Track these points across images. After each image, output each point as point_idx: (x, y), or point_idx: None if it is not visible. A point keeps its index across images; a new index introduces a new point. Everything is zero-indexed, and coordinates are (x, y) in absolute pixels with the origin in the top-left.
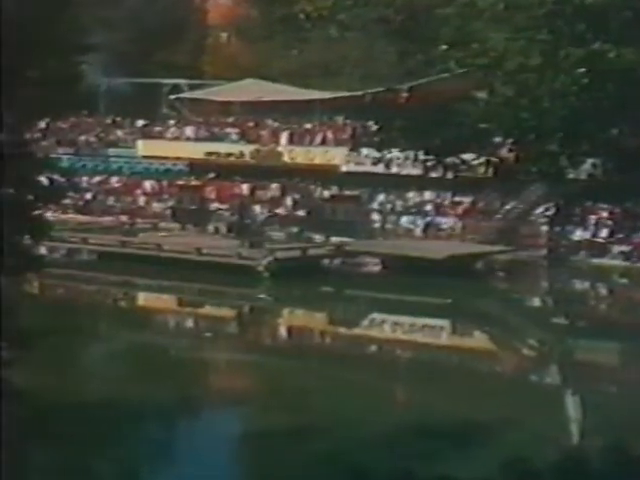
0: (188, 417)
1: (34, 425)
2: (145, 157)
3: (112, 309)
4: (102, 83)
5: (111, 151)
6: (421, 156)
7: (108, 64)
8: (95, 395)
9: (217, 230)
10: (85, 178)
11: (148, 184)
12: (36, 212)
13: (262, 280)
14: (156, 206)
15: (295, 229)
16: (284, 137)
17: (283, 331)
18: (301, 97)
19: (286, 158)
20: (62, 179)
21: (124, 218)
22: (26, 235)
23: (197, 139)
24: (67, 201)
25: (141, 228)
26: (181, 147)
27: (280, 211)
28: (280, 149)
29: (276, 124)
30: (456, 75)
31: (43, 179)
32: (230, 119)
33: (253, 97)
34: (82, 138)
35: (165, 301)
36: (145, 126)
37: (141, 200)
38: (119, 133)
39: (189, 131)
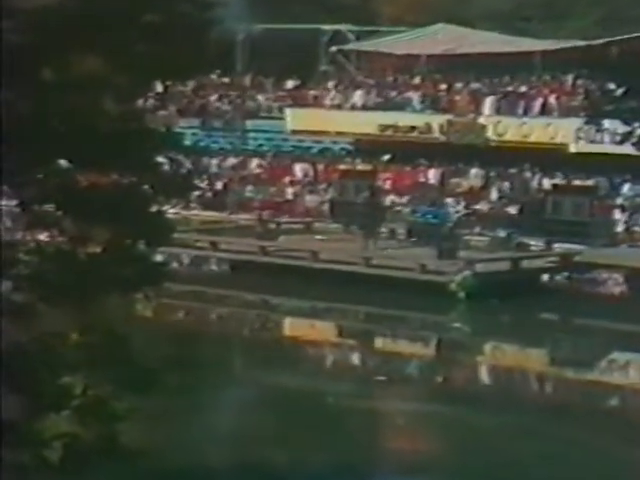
0: None
1: None
2: (295, 132)
3: (250, 340)
4: (239, 31)
5: (250, 124)
6: None
7: (247, 5)
8: (228, 457)
9: (393, 233)
10: (214, 161)
11: (299, 169)
12: (154, 208)
13: (455, 302)
14: (309, 199)
15: (502, 232)
16: (488, 104)
17: (485, 374)
18: (513, 48)
19: (491, 133)
20: (186, 162)
21: (266, 215)
22: (141, 238)
23: (367, 107)
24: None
25: (289, 229)
26: (345, 118)
27: (481, 207)
28: (482, 121)
29: (477, 86)
30: None
31: (163, 162)
32: (413, 80)
33: (445, 49)
34: (212, 106)
35: (320, 330)
36: (296, 89)
37: (289, 191)
38: (260, 99)
39: (356, 96)
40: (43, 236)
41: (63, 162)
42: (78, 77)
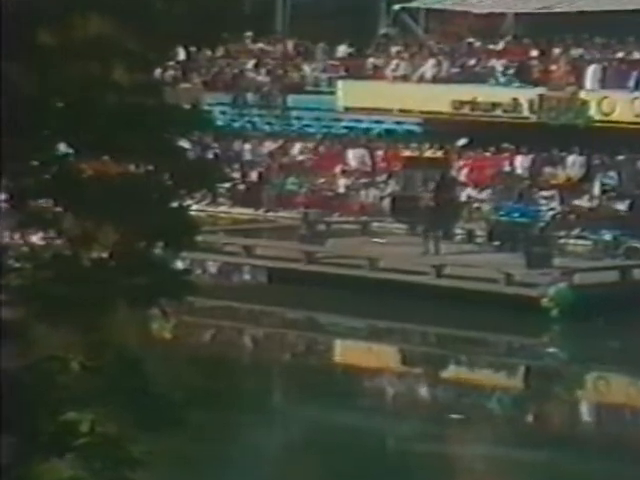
0: None
1: None
2: (349, 110)
3: (293, 367)
4: None
5: (292, 99)
6: None
7: None
8: None
9: (471, 235)
10: (248, 145)
11: (353, 155)
12: (174, 203)
13: (549, 322)
14: (366, 193)
15: (608, 234)
16: (591, 75)
17: (587, 412)
18: (621, 5)
19: (593, 112)
20: (214, 146)
21: (312, 214)
22: (158, 241)
23: (438, 79)
24: (221, 184)
25: (340, 230)
26: (411, 93)
27: (581, 203)
28: (583, 96)
29: (577, 52)
30: None
31: (185, 147)
32: (497, 45)
33: (537, 7)
34: (246, 78)
35: (380, 355)
36: (350, 57)
37: (341, 183)
38: (306, 69)
39: (425, 66)
40: (38, 238)
41: (63, 146)
42: (82, 42)
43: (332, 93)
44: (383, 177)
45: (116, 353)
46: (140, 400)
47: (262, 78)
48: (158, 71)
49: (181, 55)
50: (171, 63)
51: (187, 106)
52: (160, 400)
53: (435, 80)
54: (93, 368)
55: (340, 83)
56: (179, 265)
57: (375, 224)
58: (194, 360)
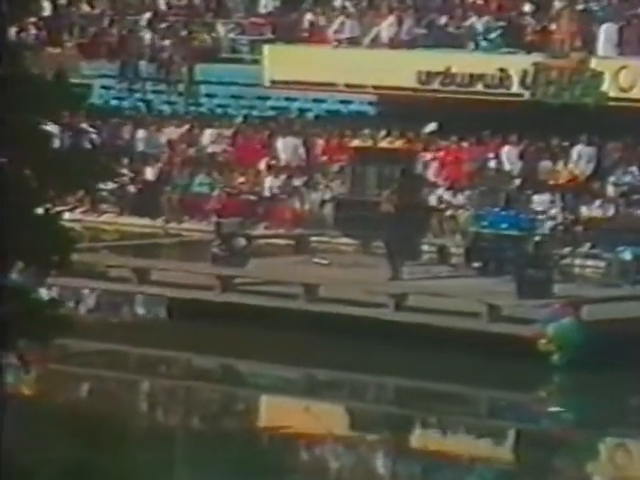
0: None
1: None
2: (278, 84)
3: (200, 433)
4: None
5: (202, 70)
6: None
7: None
8: None
9: (443, 253)
10: (142, 132)
11: (284, 146)
12: (39, 209)
13: (548, 370)
14: (301, 197)
15: (627, 252)
16: (604, 37)
17: None
18: None
19: (607, 86)
20: (93, 133)
21: (229, 225)
22: (16, 262)
23: (398, 43)
24: (104, 185)
25: (267, 247)
26: (362, 61)
27: (591, 210)
28: (595, 65)
29: (587, 6)
30: None
31: (53, 134)
32: None
33: None
34: (138, 41)
35: (321, 417)
36: (280, 12)
37: (267, 183)
38: (220, 29)
39: (383, 25)
40: None
41: None
42: None
43: (255, 62)
44: (324, 175)
45: None
46: None
47: (161, 42)
48: (14, 30)
49: (47, 9)
50: (33, 20)
51: (55, 78)
52: (20, 477)
53: (394, 44)
54: None
55: (266, 48)
56: (45, 294)
57: (314, 238)
58: (66, 424)
